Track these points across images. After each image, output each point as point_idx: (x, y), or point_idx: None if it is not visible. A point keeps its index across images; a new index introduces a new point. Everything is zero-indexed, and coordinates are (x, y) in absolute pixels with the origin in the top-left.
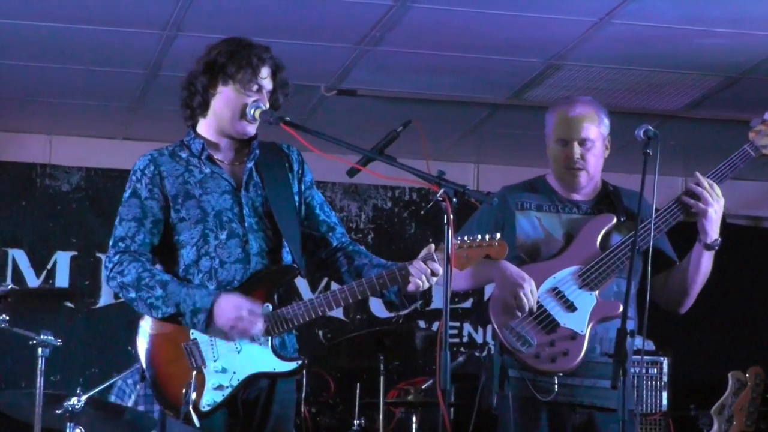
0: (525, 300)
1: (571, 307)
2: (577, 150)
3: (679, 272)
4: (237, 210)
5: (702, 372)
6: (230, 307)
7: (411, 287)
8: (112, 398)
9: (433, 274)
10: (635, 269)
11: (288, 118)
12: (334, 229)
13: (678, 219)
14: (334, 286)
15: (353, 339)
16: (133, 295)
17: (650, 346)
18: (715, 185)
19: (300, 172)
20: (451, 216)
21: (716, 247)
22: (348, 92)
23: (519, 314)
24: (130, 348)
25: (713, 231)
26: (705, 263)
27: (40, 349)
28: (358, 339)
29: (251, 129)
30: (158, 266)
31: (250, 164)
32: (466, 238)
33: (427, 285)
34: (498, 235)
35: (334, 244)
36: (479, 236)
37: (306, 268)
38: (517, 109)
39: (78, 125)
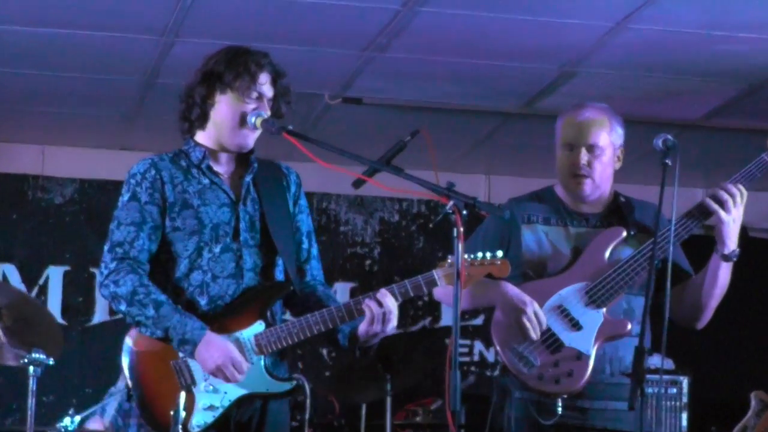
0: (529, 326)
1: (576, 325)
2: (584, 156)
3: (695, 286)
4: (234, 224)
5: (723, 392)
6: (218, 352)
7: (362, 327)
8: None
9: (381, 306)
10: (647, 283)
11: (290, 128)
12: (310, 262)
13: (691, 231)
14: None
15: (359, 358)
16: (123, 308)
17: (669, 364)
18: (743, 191)
19: (297, 194)
20: (461, 229)
21: (734, 258)
22: (353, 100)
23: (525, 338)
24: None
25: (731, 241)
26: (723, 276)
27: (31, 368)
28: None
29: (250, 141)
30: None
31: (248, 178)
32: (467, 256)
33: (379, 327)
34: (500, 254)
35: (306, 278)
36: (481, 254)
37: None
38: (529, 119)
39: (72, 135)
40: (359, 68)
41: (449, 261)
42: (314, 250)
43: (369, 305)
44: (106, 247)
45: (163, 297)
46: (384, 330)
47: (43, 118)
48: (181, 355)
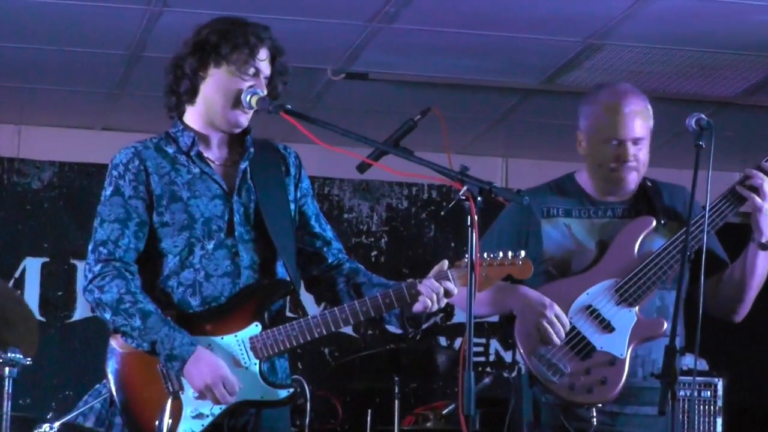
0: (550, 329)
1: (607, 327)
2: (631, 149)
3: (732, 276)
4: (228, 218)
5: (762, 396)
6: (208, 370)
7: (418, 307)
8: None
9: (447, 294)
10: (680, 277)
11: (289, 106)
12: (330, 244)
13: (727, 218)
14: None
15: (364, 358)
16: (108, 316)
17: (703, 365)
18: None
19: (297, 177)
20: (476, 217)
21: None
22: (358, 76)
23: (547, 343)
24: None
25: None
26: (761, 265)
27: (7, 369)
28: (370, 358)
29: (244, 120)
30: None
31: (244, 165)
32: (485, 255)
33: (436, 306)
34: (522, 253)
35: (330, 261)
36: (501, 253)
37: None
38: (551, 96)
39: (50, 113)
40: (365, 40)
41: (465, 260)
42: (329, 232)
43: (427, 285)
44: (89, 247)
45: (151, 306)
46: (441, 304)
47: (19, 95)
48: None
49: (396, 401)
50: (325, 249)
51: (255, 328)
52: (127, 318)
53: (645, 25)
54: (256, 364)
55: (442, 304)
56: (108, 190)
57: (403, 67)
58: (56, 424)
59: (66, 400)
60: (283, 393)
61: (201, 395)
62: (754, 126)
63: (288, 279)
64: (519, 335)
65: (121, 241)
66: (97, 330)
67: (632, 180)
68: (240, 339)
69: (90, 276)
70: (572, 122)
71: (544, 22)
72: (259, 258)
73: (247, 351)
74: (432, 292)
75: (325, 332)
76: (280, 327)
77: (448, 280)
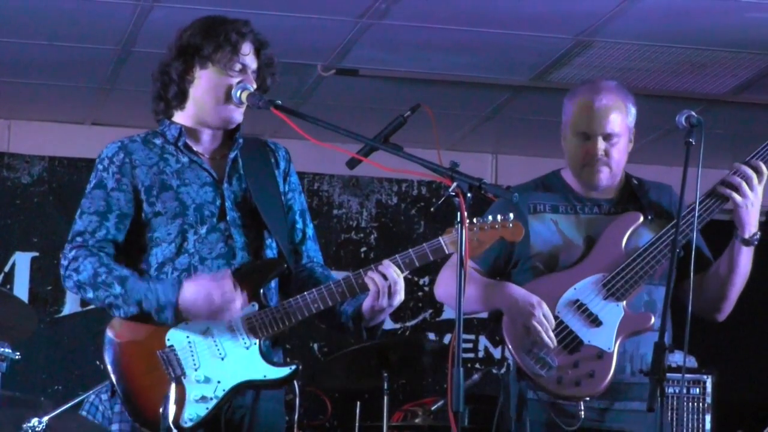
0: (540, 329)
1: (595, 321)
2: (600, 145)
3: (715, 274)
4: (219, 203)
5: (750, 392)
6: (197, 294)
7: (368, 303)
8: (83, 413)
9: (386, 278)
10: (669, 273)
11: (279, 102)
12: (305, 242)
13: (713, 213)
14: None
15: (353, 354)
16: (91, 294)
17: (692, 362)
18: (763, 169)
19: (286, 170)
20: (465, 213)
21: (755, 242)
22: (348, 72)
23: (538, 343)
24: (98, 363)
25: (751, 224)
26: (744, 262)
27: None
28: (359, 354)
29: (238, 115)
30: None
31: (233, 154)
32: (475, 220)
33: (385, 301)
34: (511, 216)
35: (303, 260)
36: (490, 217)
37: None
38: (541, 92)
39: (40, 108)
40: (355, 37)
41: (456, 226)
42: (309, 230)
43: (372, 278)
44: (68, 238)
45: (127, 271)
46: (391, 304)
47: (8, 90)
48: (168, 343)
49: (385, 397)
50: (302, 247)
51: (251, 308)
52: (107, 288)
53: (635, 22)
54: (255, 343)
55: (395, 300)
56: (91, 183)
57: (393, 63)
58: (45, 419)
59: (55, 394)
60: (286, 370)
61: (212, 316)
62: (743, 123)
63: (282, 258)
64: (507, 332)
65: (98, 232)
66: (86, 325)
67: (604, 177)
68: (237, 319)
69: (65, 263)
70: (561, 119)
71: (535, 19)
72: (253, 240)
73: (246, 331)
74: (383, 282)
75: (322, 307)
76: (277, 305)
77: (386, 265)
